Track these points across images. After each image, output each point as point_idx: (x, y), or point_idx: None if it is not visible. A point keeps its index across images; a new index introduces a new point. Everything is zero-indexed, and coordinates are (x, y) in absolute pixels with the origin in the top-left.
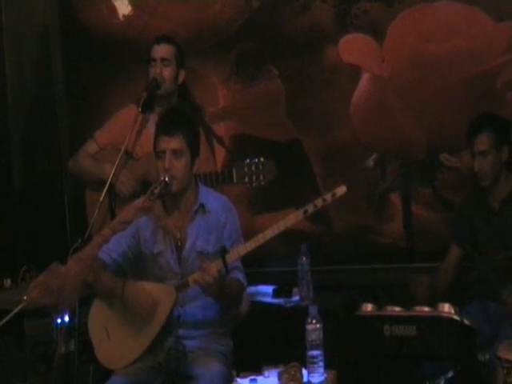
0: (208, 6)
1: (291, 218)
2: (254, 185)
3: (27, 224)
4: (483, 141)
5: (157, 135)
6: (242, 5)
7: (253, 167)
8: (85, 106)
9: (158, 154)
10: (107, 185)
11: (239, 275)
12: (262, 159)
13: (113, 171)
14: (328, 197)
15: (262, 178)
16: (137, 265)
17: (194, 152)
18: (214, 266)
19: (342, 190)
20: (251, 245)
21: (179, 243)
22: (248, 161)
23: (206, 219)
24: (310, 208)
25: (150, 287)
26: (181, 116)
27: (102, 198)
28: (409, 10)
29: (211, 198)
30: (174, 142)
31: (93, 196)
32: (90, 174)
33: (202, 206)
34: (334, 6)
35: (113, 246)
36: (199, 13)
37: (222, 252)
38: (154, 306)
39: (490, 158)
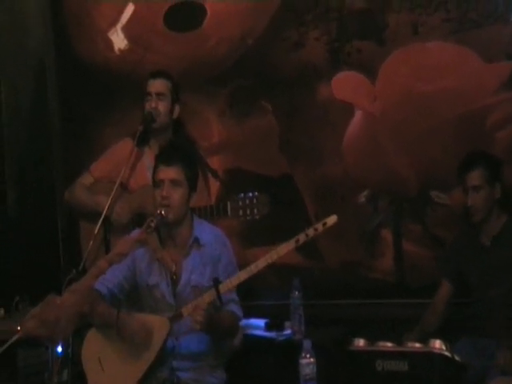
0: (203, 42)
1: (283, 248)
2: (248, 218)
3: (21, 254)
4: (476, 176)
5: (156, 165)
6: (237, 41)
7: (247, 201)
8: (80, 138)
9: (157, 183)
10: (102, 216)
11: (234, 307)
12: (256, 193)
13: (108, 203)
14: (319, 226)
15: (256, 212)
16: (132, 296)
17: (192, 186)
18: (207, 297)
19: (332, 219)
20: (244, 275)
21: (174, 277)
22: (242, 195)
23: (200, 253)
24: (302, 237)
25: (144, 318)
26: (181, 150)
27: (96, 230)
28: (401, 50)
29: (205, 230)
30: (172, 172)
31: (87, 227)
32: (86, 205)
33: (197, 239)
34: (327, 44)
35: (109, 277)
36: (194, 48)
37: (215, 282)
38: (148, 336)
39: (483, 193)
